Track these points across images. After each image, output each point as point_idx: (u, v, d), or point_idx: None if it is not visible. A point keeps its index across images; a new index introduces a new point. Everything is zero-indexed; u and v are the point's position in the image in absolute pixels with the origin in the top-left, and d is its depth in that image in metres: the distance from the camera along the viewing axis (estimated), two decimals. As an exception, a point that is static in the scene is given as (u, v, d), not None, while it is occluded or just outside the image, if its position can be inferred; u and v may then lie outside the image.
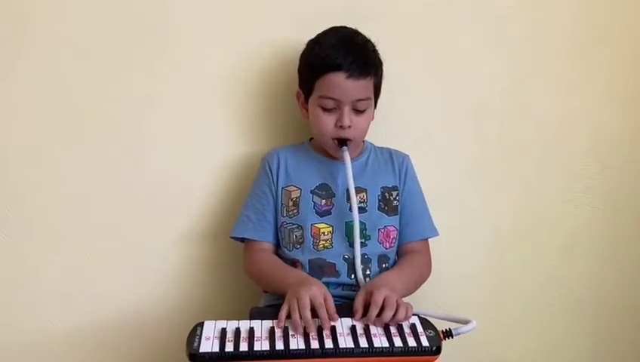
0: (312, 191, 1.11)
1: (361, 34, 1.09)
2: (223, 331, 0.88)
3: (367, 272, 1.07)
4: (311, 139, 1.18)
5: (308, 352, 0.84)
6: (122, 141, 1.19)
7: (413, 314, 0.95)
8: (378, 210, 1.11)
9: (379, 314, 0.91)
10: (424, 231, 1.16)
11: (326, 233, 1.08)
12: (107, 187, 1.19)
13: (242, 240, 1.14)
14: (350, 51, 1.04)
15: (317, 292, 0.93)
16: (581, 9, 1.33)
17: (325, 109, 1.06)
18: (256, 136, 1.24)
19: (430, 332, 0.90)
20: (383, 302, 0.92)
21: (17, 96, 1.14)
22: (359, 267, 1.05)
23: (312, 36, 1.11)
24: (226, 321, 0.90)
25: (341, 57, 1.03)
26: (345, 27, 1.10)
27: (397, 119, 1.27)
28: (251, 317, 1.04)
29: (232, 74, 1.21)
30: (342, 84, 1.03)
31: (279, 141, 1.23)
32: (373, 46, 1.10)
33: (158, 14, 1.17)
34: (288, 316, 0.91)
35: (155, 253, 1.22)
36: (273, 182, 1.12)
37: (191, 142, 1.22)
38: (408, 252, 1.14)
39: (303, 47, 1.12)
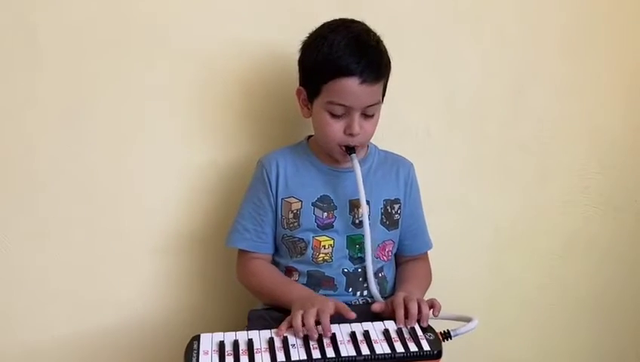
0: (313, 204, 1.05)
1: (371, 30, 1.00)
2: (221, 344, 0.86)
3: (365, 285, 1.04)
4: (309, 137, 1.12)
5: (310, 362, 0.84)
6: (119, 141, 1.16)
7: None
8: (380, 224, 1.07)
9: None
10: (427, 244, 1.15)
11: (326, 246, 1.04)
12: (107, 190, 1.17)
13: None
14: (364, 54, 0.95)
15: (324, 305, 0.91)
16: (581, 9, 1.32)
17: (334, 115, 0.98)
18: (255, 136, 1.21)
19: (430, 336, 0.89)
20: (405, 301, 0.92)
21: (16, 97, 1.12)
22: (372, 281, 1.00)
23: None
24: (222, 333, 0.88)
25: (354, 62, 0.93)
26: (353, 21, 1.00)
27: (397, 119, 1.25)
28: (249, 320, 1.05)
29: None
30: (355, 91, 0.95)
31: (275, 141, 1.19)
32: (383, 44, 1.00)
33: (152, 15, 1.14)
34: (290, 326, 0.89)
35: (155, 256, 1.21)
36: (272, 192, 1.05)
37: (188, 143, 1.19)
38: (410, 261, 1.13)
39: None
